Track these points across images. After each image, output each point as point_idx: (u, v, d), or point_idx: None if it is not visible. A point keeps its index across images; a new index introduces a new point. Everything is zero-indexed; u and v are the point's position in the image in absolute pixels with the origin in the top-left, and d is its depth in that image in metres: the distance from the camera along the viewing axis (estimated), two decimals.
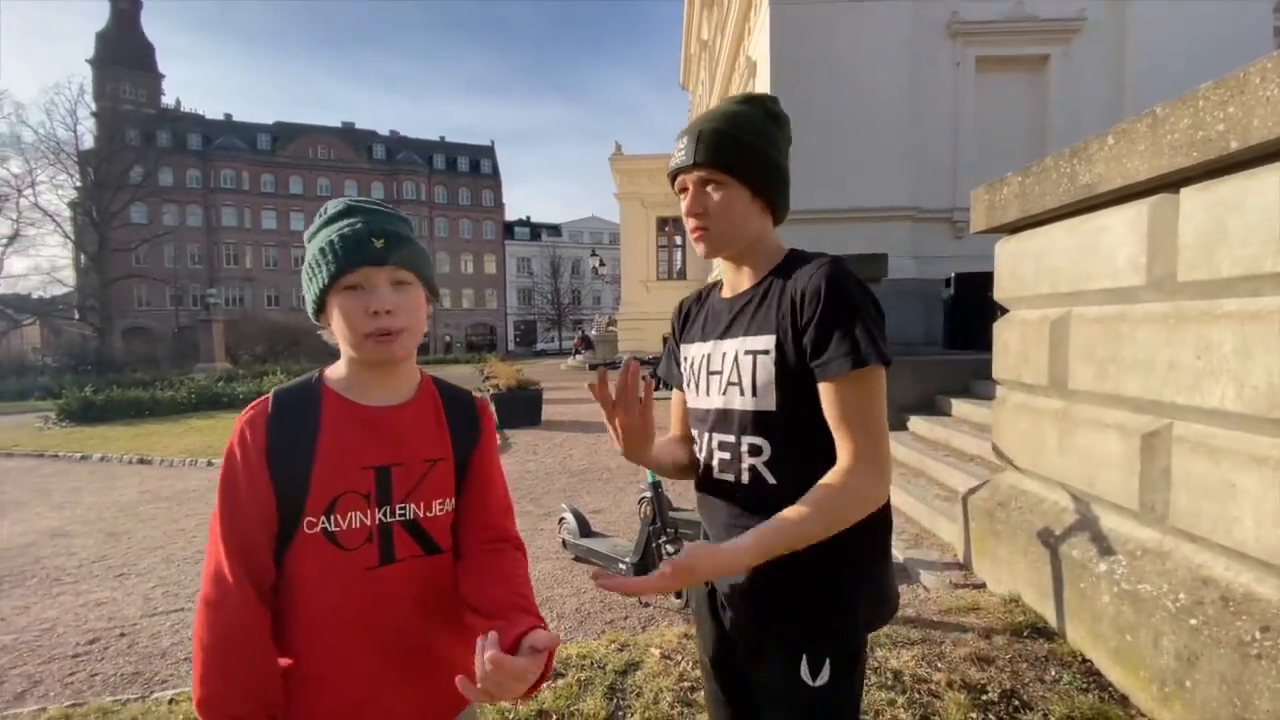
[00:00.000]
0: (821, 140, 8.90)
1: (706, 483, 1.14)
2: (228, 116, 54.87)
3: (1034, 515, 2.74)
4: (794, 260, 1.07)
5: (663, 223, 23.90)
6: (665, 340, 1.41)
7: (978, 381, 5.58)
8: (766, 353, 1.01)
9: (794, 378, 0.99)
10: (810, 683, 0.99)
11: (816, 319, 0.95)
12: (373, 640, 0.92)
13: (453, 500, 1.02)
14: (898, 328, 8.07)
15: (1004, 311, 3.17)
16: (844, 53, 9.03)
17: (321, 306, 0.94)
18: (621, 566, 3.49)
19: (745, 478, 1.05)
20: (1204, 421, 1.93)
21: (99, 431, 10.67)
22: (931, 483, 4.40)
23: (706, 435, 1.12)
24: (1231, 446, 1.81)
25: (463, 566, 1.02)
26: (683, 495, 4.34)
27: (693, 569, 0.87)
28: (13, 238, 29.30)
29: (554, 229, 66.05)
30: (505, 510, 1.09)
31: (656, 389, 1.13)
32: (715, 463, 1.10)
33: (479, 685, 0.72)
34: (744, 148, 1.04)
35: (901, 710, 2.00)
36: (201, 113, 54.25)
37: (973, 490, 3.30)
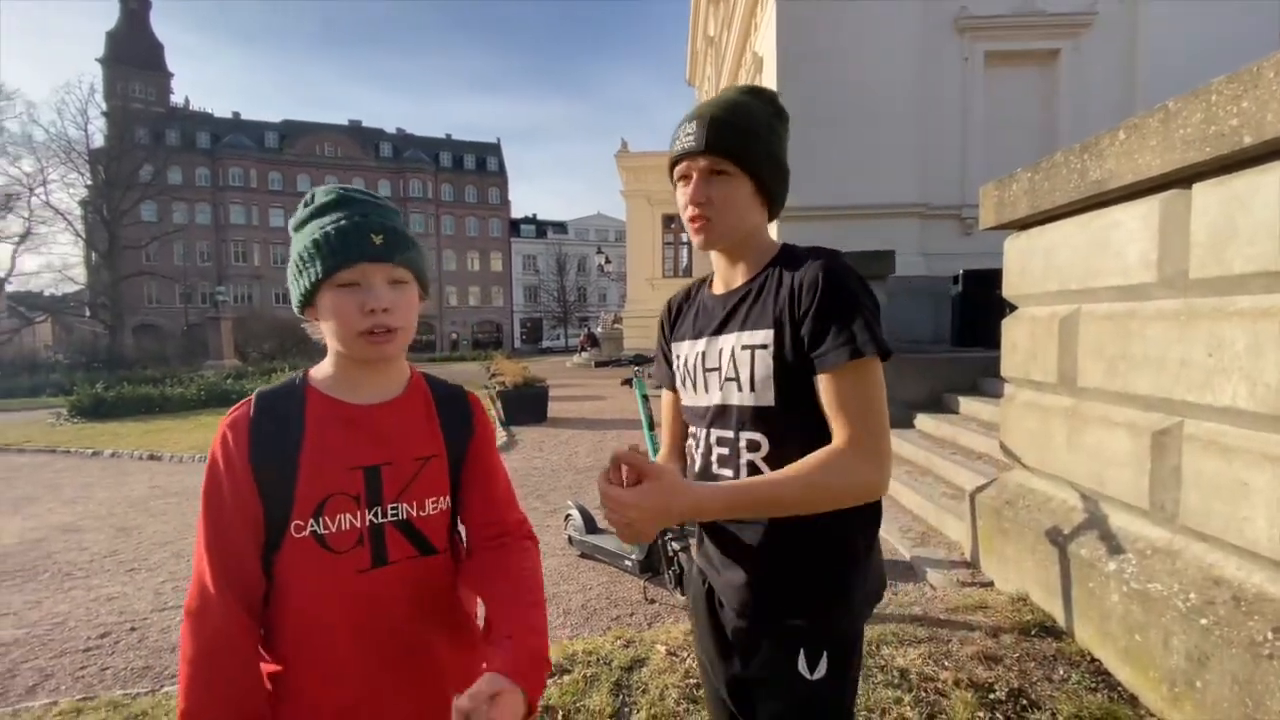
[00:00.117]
0: (828, 136, 8.85)
1: (704, 477, 1.12)
2: (236, 115, 55.14)
3: (1042, 514, 2.72)
4: (789, 255, 1.07)
5: (669, 220, 23.86)
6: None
7: (986, 379, 5.55)
8: (765, 347, 1.00)
9: (792, 372, 0.98)
10: (808, 676, 0.99)
11: (813, 311, 0.95)
12: (368, 645, 0.90)
13: (447, 498, 0.99)
14: (905, 325, 8.04)
15: (1013, 309, 3.15)
16: (851, 48, 8.97)
17: (310, 300, 0.91)
18: (627, 564, 3.49)
19: (744, 473, 1.04)
20: (1215, 420, 1.91)
21: (110, 428, 10.77)
22: (939, 481, 4.38)
23: (704, 431, 1.11)
24: (1243, 445, 1.79)
25: (470, 564, 1.02)
26: None
27: (659, 483, 0.86)
28: (25, 236, 29.56)
29: (560, 226, 66.08)
30: (509, 503, 1.09)
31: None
32: (714, 458, 1.09)
33: None
34: (753, 139, 1.03)
35: (908, 708, 1.99)
36: (210, 111, 54.60)
37: (980, 488, 3.28)
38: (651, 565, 3.38)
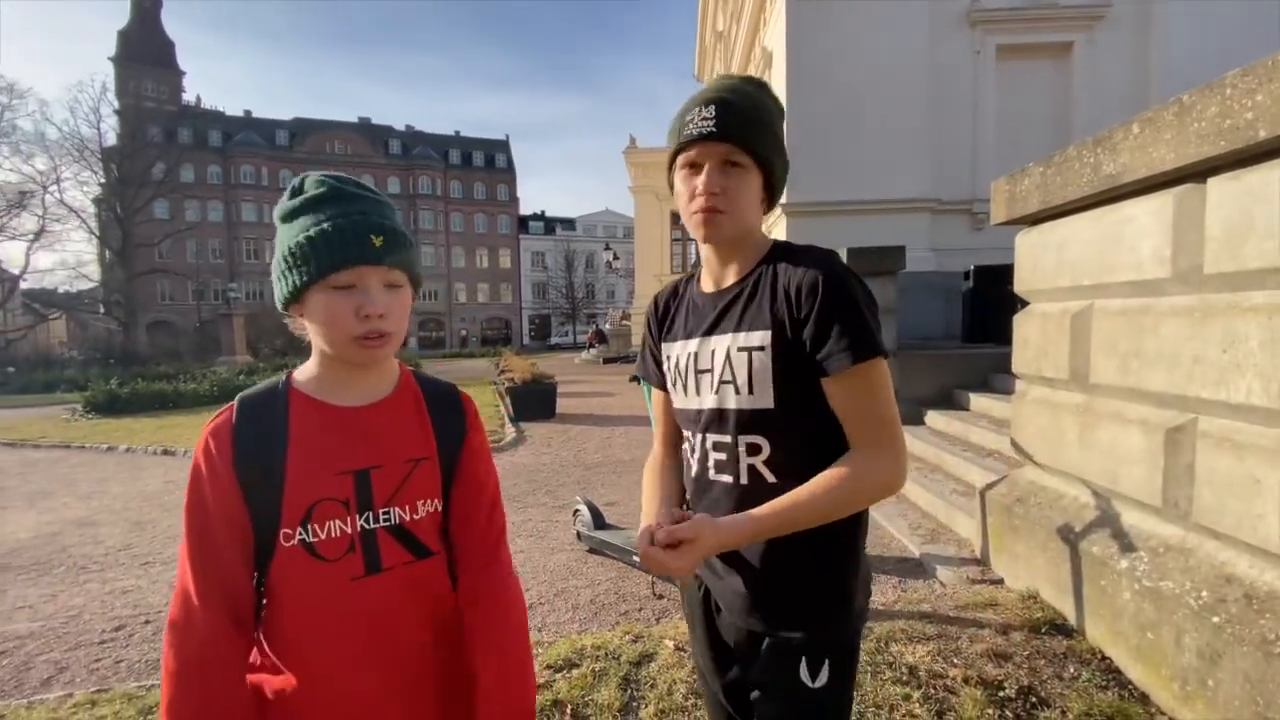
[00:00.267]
0: (838, 131, 8.81)
1: (701, 483, 1.10)
2: (247, 113, 55.49)
3: (1053, 511, 2.70)
4: (781, 252, 1.03)
5: (677, 216, 23.83)
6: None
7: (997, 375, 5.51)
8: (762, 349, 0.98)
9: (791, 374, 0.96)
10: (810, 684, 0.98)
11: (815, 314, 0.93)
12: (366, 655, 0.87)
13: (439, 500, 0.96)
14: (916, 321, 8.00)
15: (1024, 304, 3.13)
16: (861, 42, 8.90)
17: (297, 298, 0.86)
18: (635, 559, 3.50)
19: (744, 478, 1.02)
20: (1229, 416, 1.89)
21: (124, 423, 10.89)
22: (949, 478, 4.36)
23: (699, 436, 1.08)
24: (1257, 442, 1.77)
25: (461, 596, 0.95)
26: None
27: (696, 543, 0.88)
28: (39, 233, 29.88)
29: (568, 223, 66.10)
30: (499, 529, 1.02)
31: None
32: (711, 464, 1.06)
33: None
34: (766, 131, 1.00)
35: (916, 705, 1.99)
36: (221, 109, 54.97)
37: (991, 485, 3.26)
38: None
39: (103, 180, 32.84)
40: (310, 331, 0.88)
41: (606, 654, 2.43)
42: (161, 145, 38.49)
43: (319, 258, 0.83)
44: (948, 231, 9.17)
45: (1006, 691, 2.03)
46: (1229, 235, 1.87)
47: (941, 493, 4.03)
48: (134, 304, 32.22)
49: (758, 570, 1.01)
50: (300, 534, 0.85)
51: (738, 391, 1.00)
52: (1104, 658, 2.23)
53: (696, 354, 1.08)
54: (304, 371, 0.94)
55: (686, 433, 1.13)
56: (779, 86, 9.08)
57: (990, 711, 1.95)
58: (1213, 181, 1.94)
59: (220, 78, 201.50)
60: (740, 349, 1.00)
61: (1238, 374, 1.82)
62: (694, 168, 1.00)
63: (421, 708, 0.91)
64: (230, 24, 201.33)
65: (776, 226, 9.65)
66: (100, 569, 4.04)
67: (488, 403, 11.09)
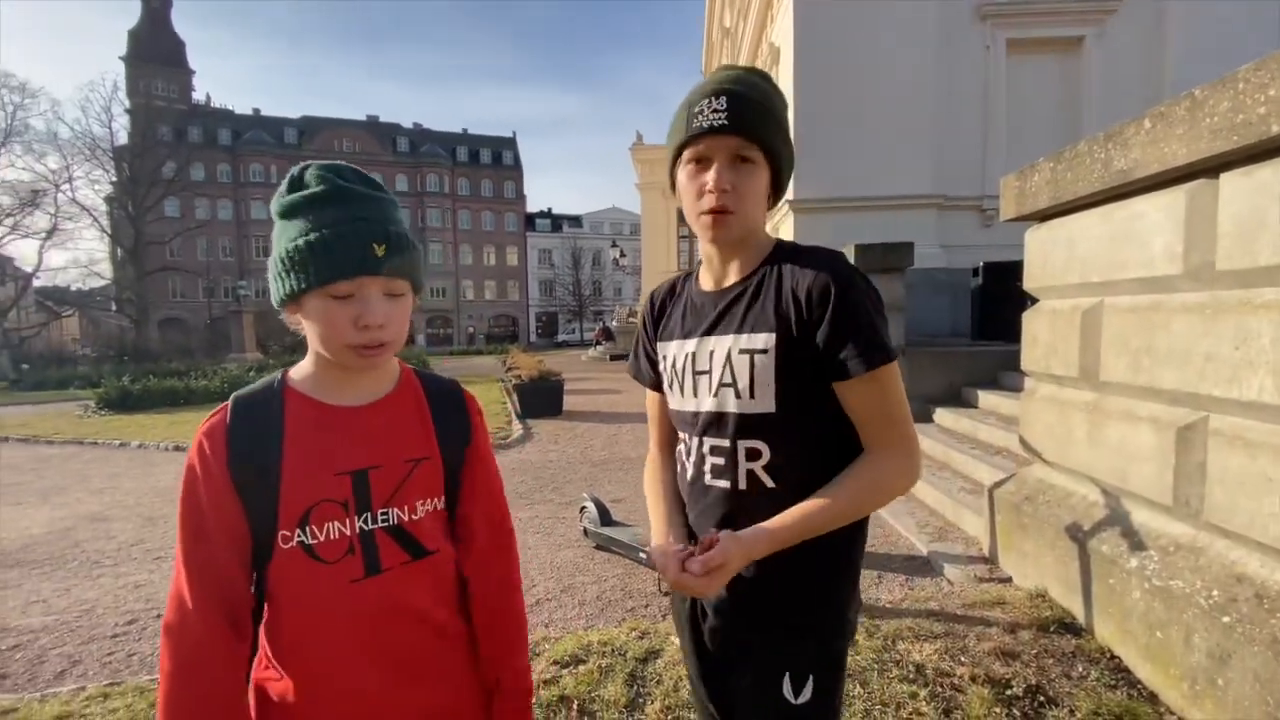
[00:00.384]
0: (846, 126, 8.76)
1: (697, 487, 1.06)
2: (256, 111, 55.85)
3: (1062, 509, 2.69)
4: (787, 252, 1.00)
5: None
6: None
7: (1006, 373, 5.48)
8: (765, 352, 0.94)
9: (794, 378, 0.94)
10: (792, 700, 0.96)
11: (829, 319, 0.91)
12: (366, 655, 0.87)
13: (440, 499, 0.95)
14: (924, 318, 7.96)
15: (1033, 301, 3.11)
16: (869, 36, 8.84)
17: (293, 300, 0.83)
18: (642, 556, 3.50)
19: (743, 483, 0.99)
20: (1241, 414, 1.87)
21: (136, 420, 10.99)
22: (957, 475, 4.34)
23: (696, 439, 1.04)
24: (1269, 440, 1.75)
25: (472, 596, 0.98)
26: None
27: (725, 566, 0.86)
28: (51, 232, 30.18)
29: (575, 220, 66.11)
30: (503, 516, 1.04)
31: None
32: (708, 468, 1.03)
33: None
34: (776, 125, 0.96)
35: (923, 703, 1.99)
36: (231, 108, 55.37)
37: (999, 483, 3.25)
38: None
39: (114, 179, 33.15)
40: (307, 330, 0.86)
41: (613, 650, 2.44)
42: (172, 144, 38.85)
43: (318, 266, 0.79)
44: (956, 228, 9.12)
45: (1014, 690, 2.03)
46: (1241, 231, 1.85)
47: (949, 491, 4.02)
48: (145, 301, 32.53)
49: (746, 580, 0.98)
50: (299, 535, 0.84)
51: (738, 395, 0.97)
52: (1113, 657, 2.22)
53: (695, 354, 1.04)
54: (300, 370, 0.92)
55: (682, 434, 1.10)
56: (786, 82, 9.04)
57: (998, 710, 1.94)
58: (1225, 177, 1.92)
59: (228, 76, 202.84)
60: (742, 351, 0.97)
61: (1250, 371, 1.80)
62: (701, 162, 0.95)
63: (421, 704, 0.91)
64: (238, 22, 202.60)
65: (784, 224, 9.62)
66: (113, 564, 4.08)
67: (495, 400, 11.12)
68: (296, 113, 59.50)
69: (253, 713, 0.87)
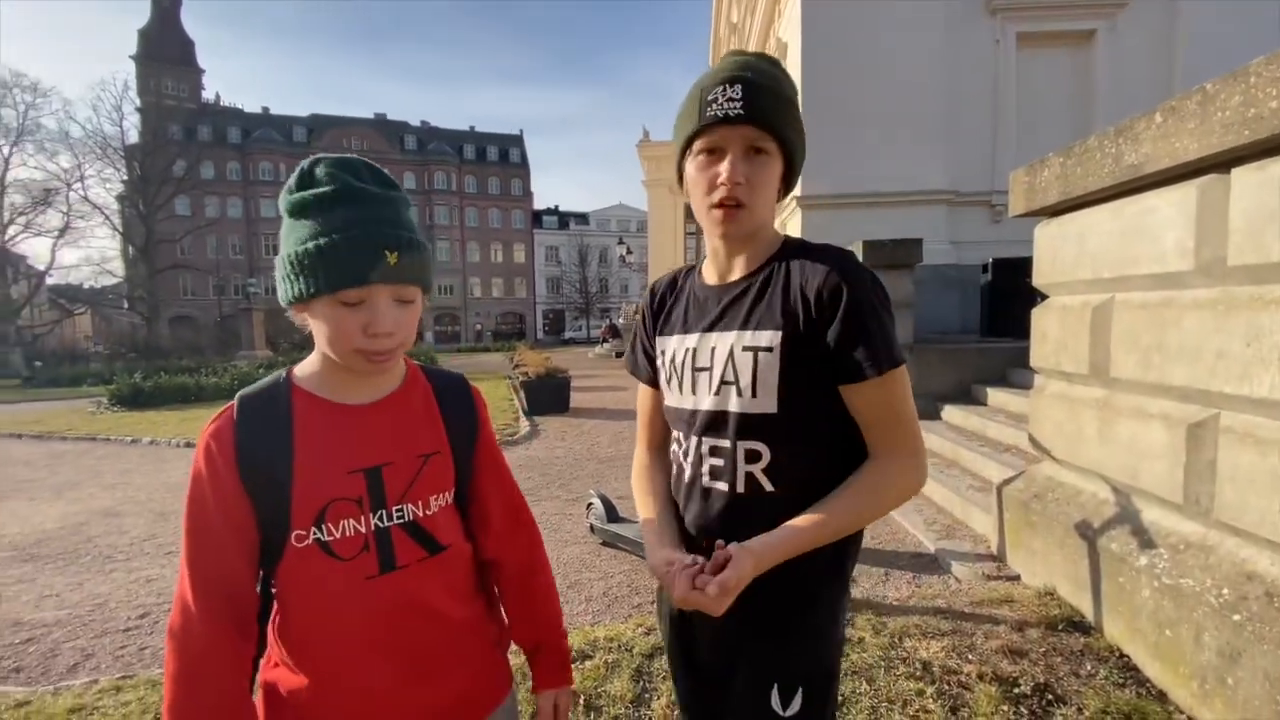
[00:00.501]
0: (854, 122, 8.70)
1: (693, 489, 1.02)
2: (265, 110, 56.13)
3: (1071, 507, 2.67)
4: (795, 250, 0.97)
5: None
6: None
7: (1015, 370, 5.44)
8: (770, 350, 0.91)
9: (798, 378, 0.91)
10: (780, 712, 0.93)
11: (839, 319, 0.88)
12: (380, 650, 0.87)
13: (451, 493, 0.95)
14: (933, 315, 7.92)
15: (1043, 297, 3.08)
16: (877, 31, 8.78)
17: (301, 301, 0.82)
18: None
19: (741, 486, 0.95)
20: (1252, 412, 1.85)
21: (148, 416, 11.11)
22: (965, 473, 4.32)
23: (694, 439, 1.00)
24: None
25: (489, 559, 1.02)
26: None
27: (740, 580, 0.82)
28: (64, 230, 30.55)
29: (582, 217, 66.07)
30: (518, 499, 1.08)
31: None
32: (705, 469, 0.99)
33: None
34: (792, 114, 0.92)
35: (930, 701, 1.98)
36: (240, 106, 55.66)
37: (1008, 481, 3.23)
38: None
39: (125, 177, 33.46)
40: (314, 331, 0.84)
41: (619, 646, 2.45)
42: (182, 142, 39.18)
43: (328, 273, 0.78)
44: (966, 224, 9.05)
45: (1022, 688, 2.02)
46: (1253, 226, 1.83)
47: (958, 488, 4.00)
48: (156, 299, 32.84)
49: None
50: (315, 534, 0.83)
51: (740, 393, 0.94)
52: (1122, 655, 2.20)
53: (695, 350, 1.01)
54: (305, 367, 0.91)
55: (677, 433, 1.06)
56: (793, 78, 8.98)
57: (1005, 708, 1.93)
58: (1237, 172, 1.90)
59: (237, 75, 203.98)
60: (745, 348, 0.94)
61: (1261, 368, 1.79)
62: (713, 153, 0.91)
63: (432, 699, 0.91)
64: (246, 21, 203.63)
65: (791, 220, 9.58)
66: (125, 558, 4.13)
67: (502, 396, 11.16)
68: (305, 111, 59.77)
69: (261, 713, 0.87)
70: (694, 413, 1.00)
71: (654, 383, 1.14)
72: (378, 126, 57.78)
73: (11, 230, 29.42)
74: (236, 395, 0.86)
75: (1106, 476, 2.54)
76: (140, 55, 50.01)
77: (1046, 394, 2.99)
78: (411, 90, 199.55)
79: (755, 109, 0.87)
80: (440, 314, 56.05)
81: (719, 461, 0.97)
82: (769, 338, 0.92)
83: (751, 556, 0.84)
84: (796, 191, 8.69)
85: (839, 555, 0.97)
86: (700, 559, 0.87)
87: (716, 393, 0.97)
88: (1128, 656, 2.19)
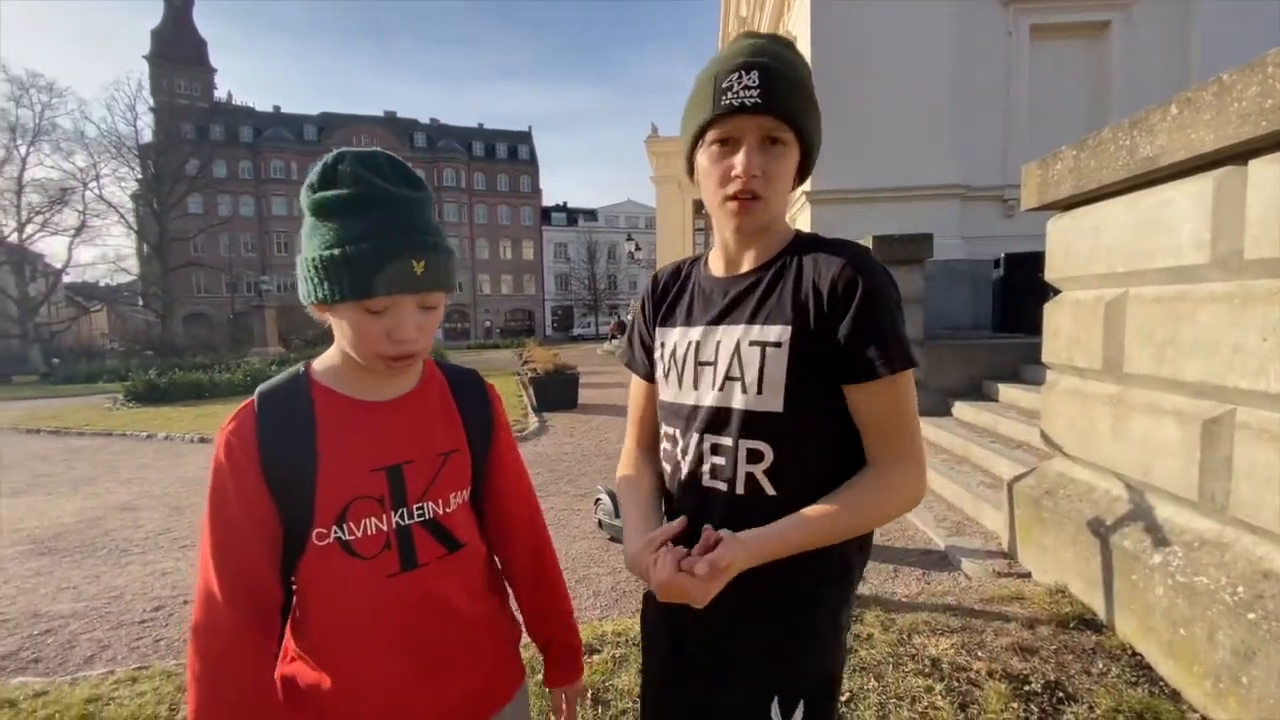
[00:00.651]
0: (864, 116, 8.63)
1: (690, 488, 0.97)
2: (276, 108, 56.50)
3: (1084, 504, 2.65)
4: (807, 243, 0.93)
5: (700, 205, 23.67)
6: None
7: (1027, 366, 5.40)
8: (779, 345, 0.87)
9: (806, 376, 0.87)
10: None
11: (852, 314, 0.84)
12: (397, 647, 0.87)
13: (468, 490, 0.95)
14: (944, 310, 7.85)
15: (1055, 292, 3.05)
16: (888, 23, 8.70)
17: (325, 303, 0.81)
18: None
19: (741, 487, 0.91)
20: (1269, 407, 1.82)
21: (162, 412, 11.24)
22: (976, 469, 4.29)
23: (694, 436, 0.96)
24: None
25: (503, 557, 1.04)
26: None
27: (730, 567, 0.77)
28: (80, 229, 30.89)
29: (590, 214, 66.07)
30: (532, 494, 1.08)
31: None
32: (706, 467, 0.95)
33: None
34: (808, 100, 0.88)
35: (939, 698, 1.97)
36: (252, 105, 56.08)
37: (1019, 477, 3.20)
38: None
39: (139, 176, 33.80)
40: (336, 330, 0.84)
41: (627, 640, 2.45)
42: (195, 141, 39.60)
43: (355, 282, 0.77)
44: (978, 219, 8.96)
45: (1032, 686, 2.00)
46: (1270, 219, 1.80)
47: (968, 485, 3.97)
48: (171, 297, 33.22)
49: (737, 589, 0.85)
50: (336, 532, 0.83)
51: (745, 390, 0.90)
52: (1134, 653, 2.18)
53: (699, 343, 0.96)
54: (325, 362, 0.90)
55: (672, 429, 1.01)
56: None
57: (1015, 705, 1.92)
58: (1254, 164, 1.86)
59: (248, 74, 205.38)
60: (753, 343, 0.90)
61: (1278, 363, 1.76)
62: (727, 143, 0.87)
63: (447, 696, 0.91)
64: (257, 20, 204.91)
65: (800, 215, 9.54)
66: (141, 551, 4.18)
67: (511, 393, 11.19)
68: (316, 110, 60.04)
69: None
70: (694, 408, 0.96)
71: (650, 377, 1.09)
72: (387, 124, 58.01)
73: (29, 229, 29.81)
74: (256, 390, 0.86)
75: (1119, 473, 2.51)
76: (153, 55, 50.53)
77: (1059, 389, 2.96)
78: (420, 88, 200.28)
79: (773, 97, 0.83)
80: (450, 311, 56.08)
81: (721, 460, 0.93)
82: (778, 332, 0.88)
83: (743, 547, 0.80)
84: (806, 186, 8.64)
85: (844, 558, 0.93)
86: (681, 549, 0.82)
87: (720, 388, 0.93)
88: (1140, 655, 2.17)
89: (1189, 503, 2.13)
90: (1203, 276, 2.09)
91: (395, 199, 0.79)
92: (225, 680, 0.79)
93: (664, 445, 1.04)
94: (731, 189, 0.87)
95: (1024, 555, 3.04)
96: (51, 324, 32.46)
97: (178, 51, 51.36)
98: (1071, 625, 2.37)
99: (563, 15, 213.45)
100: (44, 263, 33.52)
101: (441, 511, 0.90)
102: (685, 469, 0.98)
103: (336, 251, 0.76)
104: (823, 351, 0.87)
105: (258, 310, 19.38)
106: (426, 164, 56.70)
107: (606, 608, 3.05)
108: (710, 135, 0.88)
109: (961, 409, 5.36)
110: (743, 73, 0.83)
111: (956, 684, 2.04)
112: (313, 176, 0.80)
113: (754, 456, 0.90)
